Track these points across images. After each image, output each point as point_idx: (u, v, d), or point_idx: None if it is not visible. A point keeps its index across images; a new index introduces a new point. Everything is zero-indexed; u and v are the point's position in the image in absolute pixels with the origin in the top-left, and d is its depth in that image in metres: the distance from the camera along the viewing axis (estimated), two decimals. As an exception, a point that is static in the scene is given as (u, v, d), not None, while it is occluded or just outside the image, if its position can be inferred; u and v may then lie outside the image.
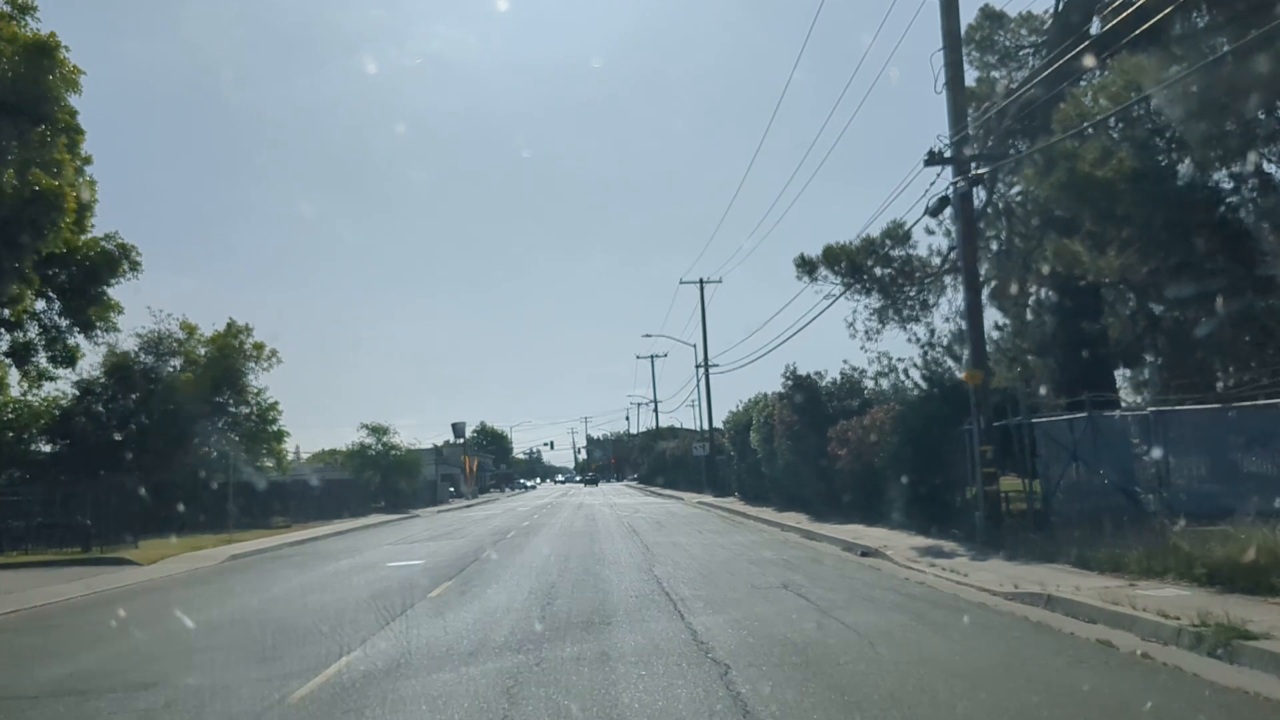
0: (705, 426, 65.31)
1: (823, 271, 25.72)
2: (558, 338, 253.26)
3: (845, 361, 32.42)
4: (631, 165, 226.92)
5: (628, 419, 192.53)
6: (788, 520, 27.55)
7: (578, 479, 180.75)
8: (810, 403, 29.56)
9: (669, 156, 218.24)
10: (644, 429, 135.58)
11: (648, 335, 73.06)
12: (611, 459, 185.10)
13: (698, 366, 58.91)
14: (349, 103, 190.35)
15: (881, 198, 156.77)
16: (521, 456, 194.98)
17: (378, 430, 62.93)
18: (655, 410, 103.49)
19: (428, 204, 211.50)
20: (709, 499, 52.24)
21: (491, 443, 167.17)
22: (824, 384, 30.15)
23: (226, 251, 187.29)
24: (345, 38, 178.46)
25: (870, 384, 29.59)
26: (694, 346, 61.93)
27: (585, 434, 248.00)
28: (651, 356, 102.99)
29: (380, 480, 62.21)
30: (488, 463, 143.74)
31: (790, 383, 30.64)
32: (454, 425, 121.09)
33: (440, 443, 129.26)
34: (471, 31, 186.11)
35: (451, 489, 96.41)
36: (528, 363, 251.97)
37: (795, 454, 29.67)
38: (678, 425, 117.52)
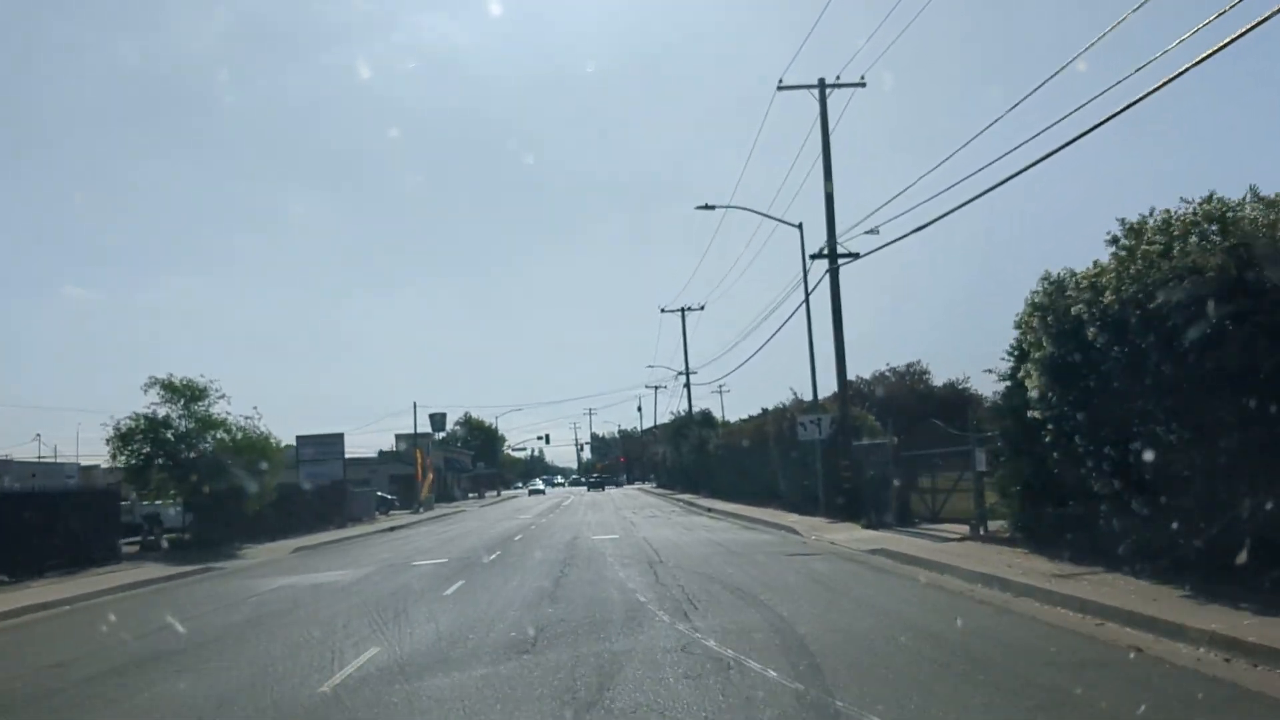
0: (809, 390, 35.48)
1: None
2: (555, 333, 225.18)
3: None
4: (631, 157, 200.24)
5: (639, 410, 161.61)
6: None
7: (580, 481, 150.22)
8: None
9: (671, 150, 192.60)
10: (662, 421, 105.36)
11: (706, 207, 35.59)
12: (620, 457, 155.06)
13: (815, 257, 28.42)
14: (331, 90, 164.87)
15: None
16: (517, 455, 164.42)
17: (184, 392, 32.65)
18: (688, 384, 73.10)
19: (406, 195, 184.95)
20: (882, 537, 22.16)
21: (475, 438, 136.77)
22: None
23: (217, 248, 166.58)
24: (330, 28, 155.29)
25: None
26: (798, 227, 30.93)
27: (590, 430, 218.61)
28: (682, 309, 72.77)
29: (188, 488, 32.15)
30: (464, 461, 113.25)
31: None
32: (432, 416, 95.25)
33: (392, 439, 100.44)
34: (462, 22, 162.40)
35: (390, 497, 66.17)
36: (523, 358, 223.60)
37: None
38: (711, 415, 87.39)
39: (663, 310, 74.13)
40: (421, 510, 64.96)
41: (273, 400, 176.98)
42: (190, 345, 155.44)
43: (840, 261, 28.77)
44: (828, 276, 29.23)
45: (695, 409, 77.24)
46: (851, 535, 23.20)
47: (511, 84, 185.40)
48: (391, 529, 44.96)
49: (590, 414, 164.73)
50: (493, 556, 22.55)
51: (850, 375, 37.25)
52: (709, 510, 43.68)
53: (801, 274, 30.96)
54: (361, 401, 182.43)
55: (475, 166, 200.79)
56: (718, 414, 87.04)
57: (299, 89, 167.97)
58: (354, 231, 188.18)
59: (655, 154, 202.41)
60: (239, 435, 32.86)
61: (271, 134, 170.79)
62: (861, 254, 28.44)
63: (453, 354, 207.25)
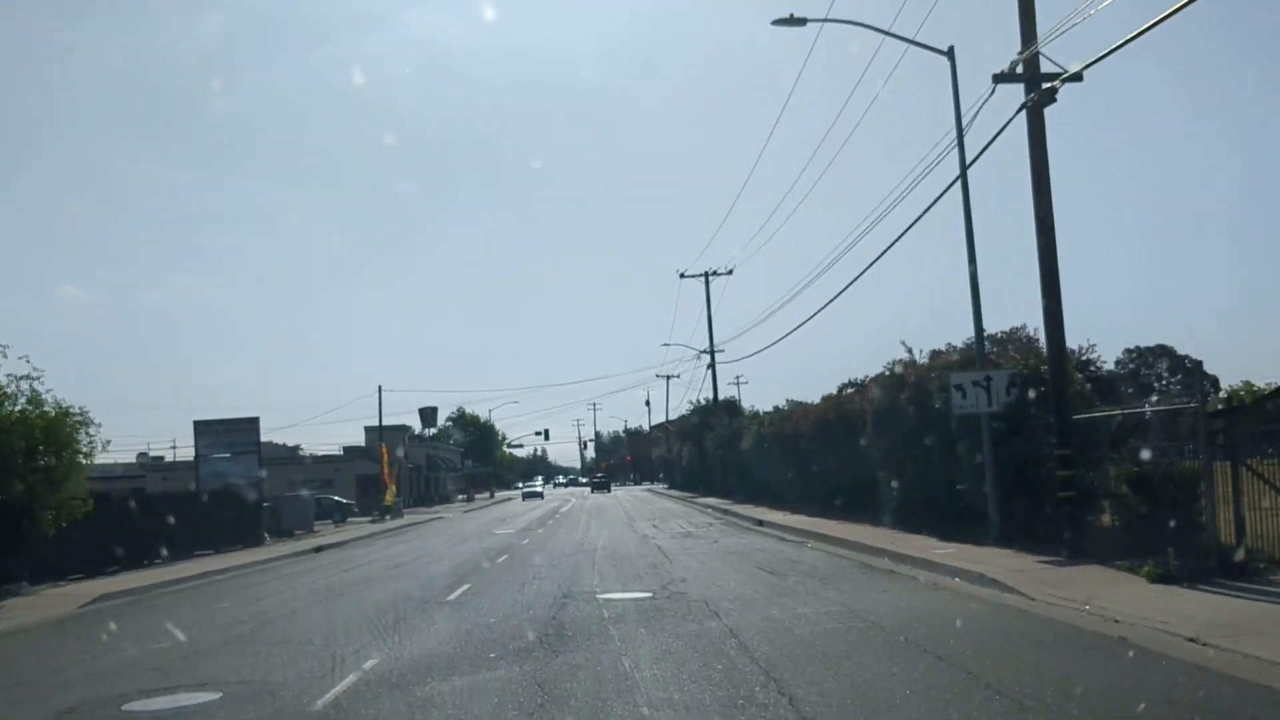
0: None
1: None
2: (556, 326, 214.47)
3: None
4: (634, 149, 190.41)
5: (648, 404, 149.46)
6: None
7: (579, 481, 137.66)
8: None
9: (677, 141, 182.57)
10: (675, 415, 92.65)
11: (788, 20, 21.66)
12: (627, 456, 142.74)
13: (1002, 79, 15.24)
14: (327, 87, 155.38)
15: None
16: (517, 453, 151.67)
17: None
18: (712, 363, 60.32)
19: (401, 189, 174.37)
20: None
21: (471, 435, 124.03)
22: None
23: (214, 248, 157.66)
24: (326, 27, 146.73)
25: None
26: (947, 53, 17.91)
27: (594, 427, 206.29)
28: (705, 274, 60.12)
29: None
30: (453, 460, 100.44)
31: None
32: (422, 411, 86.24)
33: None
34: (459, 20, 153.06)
35: (347, 502, 53.39)
36: (524, 352, 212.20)
37: None
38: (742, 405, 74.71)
39: (682, 275, 61.39)
40: (388, 518, 52.21)
41: (266, 398, 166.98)
42: (188, 345, 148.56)
43: (1045, 85, 15.87)
44: (1022, 118, 16.38)
45: (715, 400, 64.38)
46: (1194, 614, 10.35)
47: (509, 78, 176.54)
48: (318, 549, 32.20)
49: (594, 408, 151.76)
50: (345, 683, 9.37)
51: (938, 344, 27.25)
52: (761, 524, 30.79)
53: (955, 128, 17.99)
54: (358, 399, 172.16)
55: (471, 159, 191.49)
56: (729, 402, 74.51)
57: (294, 87, 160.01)
58: (350, 224, 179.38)
59: (661, 144, 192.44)
60: (16, 410, 20.08)
61: (268, 132, 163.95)
62: (1081, 72, 15.56)
63: (450, 350, 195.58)
